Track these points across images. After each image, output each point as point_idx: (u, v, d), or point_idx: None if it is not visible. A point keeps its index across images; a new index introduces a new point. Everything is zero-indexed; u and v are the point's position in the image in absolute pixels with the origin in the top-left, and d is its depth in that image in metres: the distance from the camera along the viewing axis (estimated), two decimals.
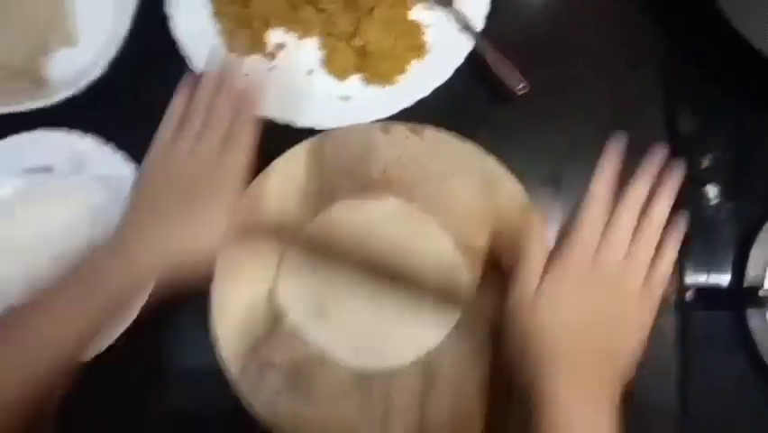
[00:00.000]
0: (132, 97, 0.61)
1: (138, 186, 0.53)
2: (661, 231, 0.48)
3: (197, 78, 0.55)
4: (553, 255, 0.48)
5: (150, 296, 0.53)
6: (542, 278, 0.47)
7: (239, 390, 0.53)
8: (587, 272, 0.47)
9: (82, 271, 0.48)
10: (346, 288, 0.56)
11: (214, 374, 0.54)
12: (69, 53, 0.63)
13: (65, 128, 0.59)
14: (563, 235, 0.48)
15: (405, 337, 0.55)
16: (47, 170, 0.59)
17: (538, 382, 0.45)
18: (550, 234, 0.50)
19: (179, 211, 0.51)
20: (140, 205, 0.52)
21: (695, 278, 0.58)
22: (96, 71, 0.58)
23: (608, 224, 0.48)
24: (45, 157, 0.59)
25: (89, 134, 0.59)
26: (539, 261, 0.48)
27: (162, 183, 0.52)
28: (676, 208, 0.49)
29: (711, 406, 0.56)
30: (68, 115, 0.59)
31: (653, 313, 0.48)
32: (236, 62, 0.57)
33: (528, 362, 0.46)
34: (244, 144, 0.52)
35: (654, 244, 0.48)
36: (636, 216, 0.48)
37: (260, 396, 0.53)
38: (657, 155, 0.50)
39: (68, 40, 0.63)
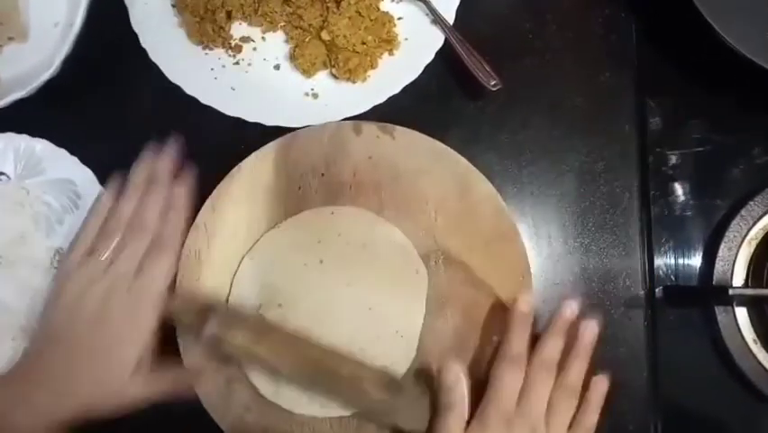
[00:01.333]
0: (87, 97, 0.58)
1: (42, 318, 0.50)
2: (579, 388, 0.48)
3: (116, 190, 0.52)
4: (472, 421, 0.47)
5: None
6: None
7: (207, 405, 0.52)
8: (509, 425, 0.46)
9: None
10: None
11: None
12: (19, 49, 0.60)
13: (14, 131, 0.56)
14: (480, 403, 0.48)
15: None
16: None
17: None
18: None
19: (85, 354, 0.46)
20: (41, 343, 0.48)
21: (664, 274, 0.59)
22: (49, 71, 0.55)
23: (526, 386, 0.48)
24: None
25: (41, 138, 0.56)
26: (459, 416, 0.47)
27: (66, 319, 0.48)
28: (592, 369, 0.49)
29: (682, 398, 0.57)
30: (17, 116, 0.56)
31: None
32: (163, 165, 0.53)
33: None
34: (169, 258, 0.49)
35: (575, 398, 0.48)
36: (553, 376, 0.48)
37: (229, 412, 0.52)
38: (568, 310, 0.50)
39: (19, 33, 0.60)
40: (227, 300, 0.54)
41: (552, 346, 0.49)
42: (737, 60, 0.54)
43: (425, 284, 0.54)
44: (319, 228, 0.55)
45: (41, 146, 0.56)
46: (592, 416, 0.48)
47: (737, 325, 0.55)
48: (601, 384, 0.49)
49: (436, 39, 0.59)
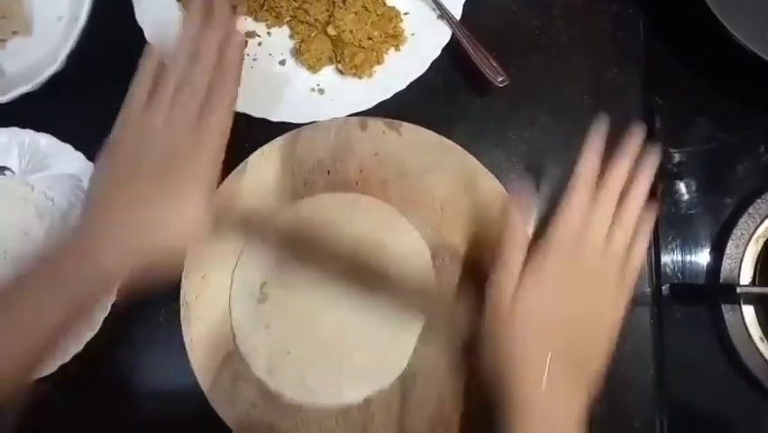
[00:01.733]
0: (92, 92, 0.58)
1: (101, 169, 0.48)
2: (636, 219, 0.48)
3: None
4: (533, 251, 0.47)
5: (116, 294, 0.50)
6: (521, 278, 0.46)
7: (212, 402, 0.52)
8: (570, 263, 0.46)
9: (40, 272, 0.44)
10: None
11: (189, 386, 0.52)
12: (23, 43, 0.59)
13: (19, 126, 0.56)
14: (546, 224, 0.47)
15: (374, 362, 0.53)
16: (1, 170, 0.56)
17: (511, 384, 0.45)
18: (528, 231, 0.49)
19: (150, 199, 0.45)
20: (104, 193, 0.46)
21: (671, 272, 0.58)
22: (54, 65, 0.55)
23: (590, 212, 0.47)
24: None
25: (46, 133, 0.56)
26: (516, 263, 0.47)
27: (130, 166, 0.46)
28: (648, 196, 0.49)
29: (688, 396, 0.57)
30: (22, 111, 0.56)
31: (625, 308, 0.48)
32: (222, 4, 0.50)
33: (502, 367, 0.45)
34: (228, 100, 0.47)
35: (630, 233, 0.48)
36: (615, 203, 0.48)
37: (235, 408, 0.52)
38: (636, 137, 0.49)
39: (23, 27, 0.59)
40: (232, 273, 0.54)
41: (620, 174, 0.48)
42: (746, 58, 0.53)
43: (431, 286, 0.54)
44: (331, 214, 0.55)
45: (46, 141, 0.56)
46: (644, 242, 0.48)
47: (744, 323, 0.55)
48: (653, 211, 0.49)
49: (443, 34, 0.58)
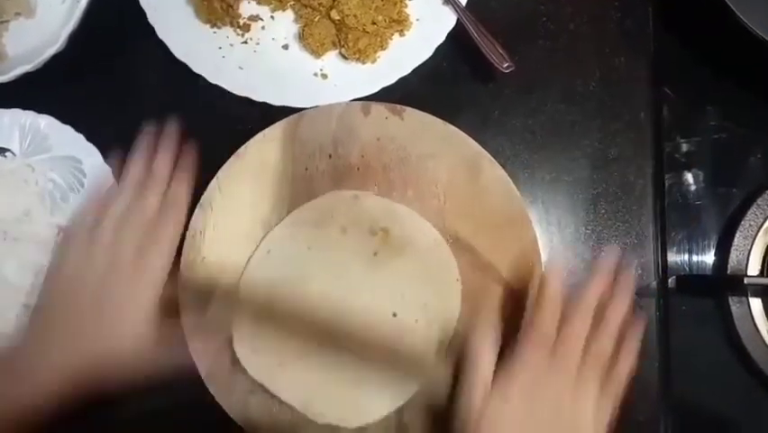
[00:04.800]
0: (93, 74, 0.58)
1: (42, 294, 0.50)
2: (616, 334, 0.47)
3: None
4: (503, 365, 0.46)
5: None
6: (492, 387, 0.45)
7: (210, 388, 0.51)
8: (541, 378, 0.45)
9: None
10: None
11: (188, 369, 0.51)
12: (26, 25, 0.59)
13: (20, 107, 0.55)
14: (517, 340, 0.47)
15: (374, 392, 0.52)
16: (1, 151, 0.56)
17: None
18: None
19: (87, 323, 0.47)
20: (43, 317, 0.49)
21: (677, 263, 0.58)
22: (55, 46, 0.54)
23: (562, 326, 0.47)
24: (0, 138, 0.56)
25: (46, 114, 0.55)
26: (485, 372, 0.46)
27: (69, 294, 0.48)
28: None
29: (693, 389, 0.56)
30: (23, 92, 0.56)
31: (612, 414, 0.46)
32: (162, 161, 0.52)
33: None
34: (167, 245, 0.49)
35: (611, 347, 0.47)
36: (590, 319, 0.47)
37: (233, 395, 0.52)
38: (611, 257, 0.49)
39: (26, 9, 0.59)
40: (239, 281, 0.53)
41: (592, 292, 0.48)
42: (756, 46, 0.52)
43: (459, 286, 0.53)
44: (343, 214, 0.54)
45: (47, 123, 0.55)
46: (632, 352, 0.48)
47: (751, 315, 0.54)
48: (637, 328, 0.48)
49: (448, 19, 0.57)
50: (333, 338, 0.52)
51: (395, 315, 0.53)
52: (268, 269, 0.53)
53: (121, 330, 0.47)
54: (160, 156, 0.52)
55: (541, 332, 0.47)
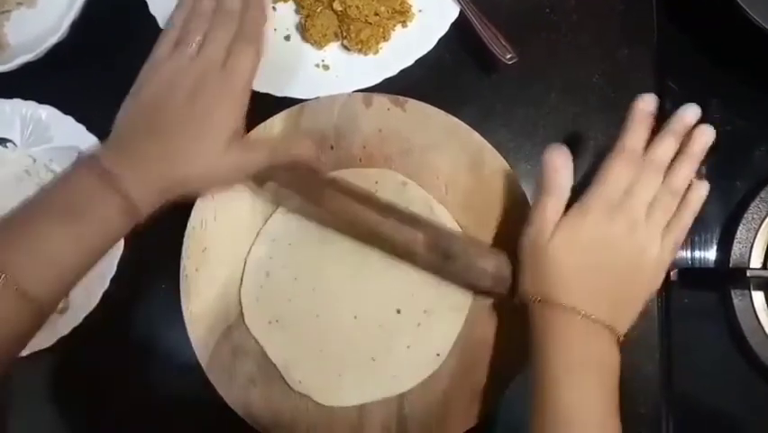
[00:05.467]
0: (94, 64, 0.57)
1: (126, 108, 0.49)
2: (681, 194, 0.47)
3: None
4: (573, 205, 0.47)
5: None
6: (559, 220, 0.46)
7: (211, 377, 0.51)
8: (607, 219, 0.46)
9: (65, 198, 0.44)
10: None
11: (188, 360, 0.52)
12: (27, 14, 0.59)
13: (21, 97, 0.55)
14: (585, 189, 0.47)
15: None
16: (2, 142, 0.56)
17: (547, 307, 0.45)
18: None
19: (180, 126, 0.47)
20: (129, 130, 0.47)
21: (679, 256, 0.57)
22: (56, 34, 0.54)
23: (633, 182, 0.47)
24: (1, 128, 0.55)
25: (47, 105, 0.55)
26: (554, 208, 0.47)
27: (160, 95, 0.48)
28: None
29: (694, 382, 0.56)
30: (24, 82, 0.55)
31: (671, 259, 0.47)
32: None
33: (539, 290, 0.46)
34: (254, 46, 0.49)
35: (677, 201, 0.47)
36: (662, 176, 0.47)
37: (233, 384, 0.52)
38: (688, 112, 0.48)
39: None
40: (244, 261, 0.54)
41: (665, 147, 0.47)
42: (761, 38, 0.52)
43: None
44: (386, 193, 0.54)
45: (48, 113, 0.55)
46: (688, 217, 0.47)
47: (754, 309, 0.54)
48: (702, 188, 0.48)
49: (451, 11, 0.57)
50: (332, 313, 0.52)
51: (399, 312, 0.53)
52: (294, 219, 0.54)
53: (212, 138, 0.47)
54: None
55: (630, 148, 0.47)
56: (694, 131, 0.48)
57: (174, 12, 0.52)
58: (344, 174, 0.54)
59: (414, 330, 0.53)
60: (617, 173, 0.47)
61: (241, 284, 0.53)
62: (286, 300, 0.53)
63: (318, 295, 0.53)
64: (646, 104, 0.48)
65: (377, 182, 0.54)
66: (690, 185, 0.48)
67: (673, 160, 0.48)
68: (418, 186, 0.54)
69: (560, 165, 0.47)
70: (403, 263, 0.53)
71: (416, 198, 0.54)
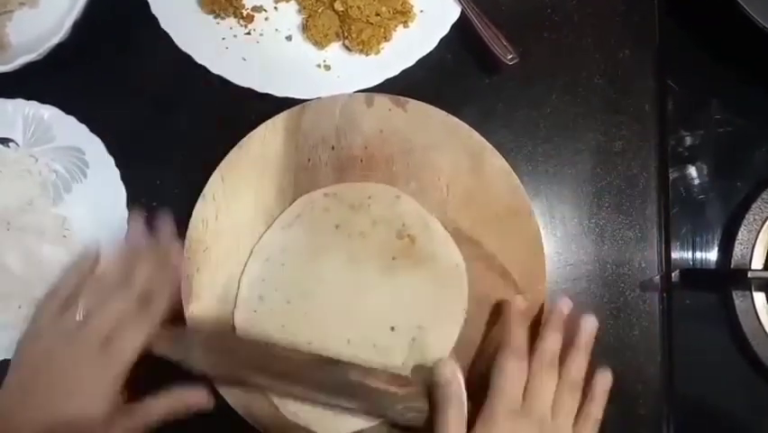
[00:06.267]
0: (96, 64, 0.57)
1: (12, 370, 0.49)
2: (582, 382, 0.48)
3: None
4: (478, 415, 0.46)
5: None
6: None
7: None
8: (513, 425, 0.46)
9: None
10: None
11: None
12: (30, 14, 0.59)
13: (23, 97, 0.55)
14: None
15: None
16: (4, 141, 0.56)
17: None
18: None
19: (58, 401, 0.46)
20: (11, 394, 0.47)
21: (681, 257, 0.57)
22: (58, 35, 0.54)
23: (530, 378, 0.47)
24: (2, 128, 0.56)
25: (49, 105, 0.55)
26: (459, 410, 0.46)
27: (39, 369, 0.48)
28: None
29: (696, 383, 0.56)
30: (26, 82, 0.56)
31: None
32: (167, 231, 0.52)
33: None
34: (145, 333, 0.48)
35: (578, 397, 0.48)
36: (556, 370, 0.48)
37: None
38: (563, 306, 0.50)
39: None
40: (239, 282, 0.53)
41: (551, 340, 0.48)
42: (762, 38, 0.52)
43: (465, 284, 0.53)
44: (380, 207, 0.54)
45: (50, 113, 0.55)
46: (597, 409, 0.48)
47: (755, 309, 0.54)
48: (604, 379, 0.49)
49: (452, 11, 0.57)
50: (324, 338, 0.52)
51: (393, 329, 0.52)
52: (291, 232, 0.54)
53: (85, 406, 0.47)
54: (143, 259, 0.51)
55: (515, 347, 0.48)
56: (580, 322, 0.49)
57: (68, 270, 0.52)
58: (339, 189, 0.54)
59: (408, 346, 0.52)
60: (511, 374, 0.47)
61: (235, 306, 0.53)
62: (279, 327, 0.52)
63: (310, 320, 0.52)
64: (521, 304, 0.50)
65: (370, 197, 0.54)
66: (594, 379, 0.48)
67: (564, 353, 0.48)
68: (412, 199, 0.54)
69: (450, 377, 0.47)
70: (397, 277, 0.53)
71: (409, 212, 0.54)
